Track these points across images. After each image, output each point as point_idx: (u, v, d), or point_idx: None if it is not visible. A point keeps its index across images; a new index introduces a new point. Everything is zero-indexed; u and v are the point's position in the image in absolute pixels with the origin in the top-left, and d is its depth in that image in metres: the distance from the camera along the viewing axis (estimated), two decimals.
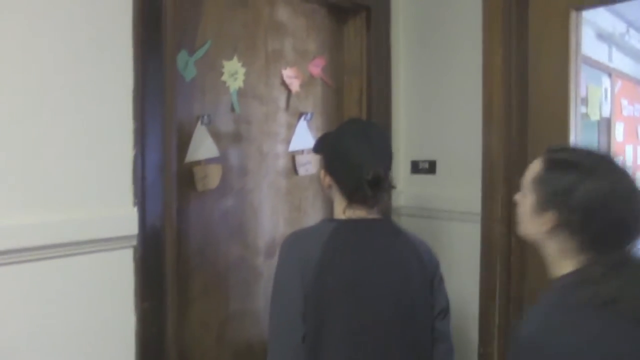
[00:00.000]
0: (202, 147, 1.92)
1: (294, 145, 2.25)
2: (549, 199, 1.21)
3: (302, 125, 2.27)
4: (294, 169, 2.26)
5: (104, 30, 1.54)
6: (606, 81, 3.47)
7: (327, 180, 1.59)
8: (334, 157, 1.57)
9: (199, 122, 1.91)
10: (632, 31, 3.72)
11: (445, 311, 1.59)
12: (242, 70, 2.03)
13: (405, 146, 2.50)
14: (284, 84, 2.20)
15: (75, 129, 1.48)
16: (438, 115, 2.36)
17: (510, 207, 2.06)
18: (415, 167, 2.45)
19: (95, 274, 1.53)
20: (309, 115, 2.28)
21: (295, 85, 2.22)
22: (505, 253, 2.08)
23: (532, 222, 1.26)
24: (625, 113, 3.74)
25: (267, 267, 2.13)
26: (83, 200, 1.50)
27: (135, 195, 1.60)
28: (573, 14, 1.98)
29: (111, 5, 1.55)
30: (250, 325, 2.10)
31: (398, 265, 1.51)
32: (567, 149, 1.33)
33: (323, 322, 1.43)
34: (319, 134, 2.12)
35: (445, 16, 2.33)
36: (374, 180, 1.48)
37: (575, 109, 2.01)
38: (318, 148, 1.69)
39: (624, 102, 3.73)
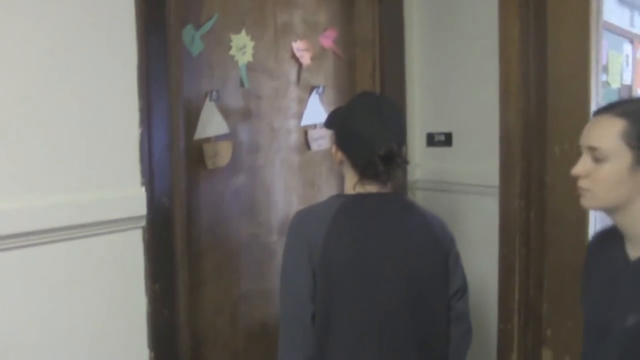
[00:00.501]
0: (211, 123, 1.88)
1: (306, 120, 2.20)
2: None
3: (314, 99, 2.22)
4: (306, 144, 2.22)
5: (105, 5, 1.49)
6: (627, 47, 3.36)
7: (339, 156, 1.55)
8: (344, 133, 1.53)
9: (208, 98, 1.87)
10: None
11: (463, 290, 1.54)
12: (250, 44, 1.98)
13: (420, 119, 2.44)
14: (294, 57, 2.15)
15: (78, 110, 1.44)
16: (454, 87, 2.30)
17: (529, 180, 2.01)
18: (431, 140, 2.40)
19: (105, 255, 1.51)
20: (320, 89, 2.23)
21: (306, 58, 2.17)
22: (525, 227, 2.02)
23: (626, 183, 1.20)
24: None
25: (281, 246, 2.05)
26: (89, 181, 1.47)
27: (143, 174, 1.57)
28: None
29: None
30: (264, 305, 2.08)
31: (407, 241, 1.46)
32: (621, 102, 1.27)
33: (331, 301, 1.41)
34: (332, 108, 2.06)
35: None
36: (387, 156, 1.43)
37: (596, 78, 1.93)
38: (329, 123, 1.64)
39: None
